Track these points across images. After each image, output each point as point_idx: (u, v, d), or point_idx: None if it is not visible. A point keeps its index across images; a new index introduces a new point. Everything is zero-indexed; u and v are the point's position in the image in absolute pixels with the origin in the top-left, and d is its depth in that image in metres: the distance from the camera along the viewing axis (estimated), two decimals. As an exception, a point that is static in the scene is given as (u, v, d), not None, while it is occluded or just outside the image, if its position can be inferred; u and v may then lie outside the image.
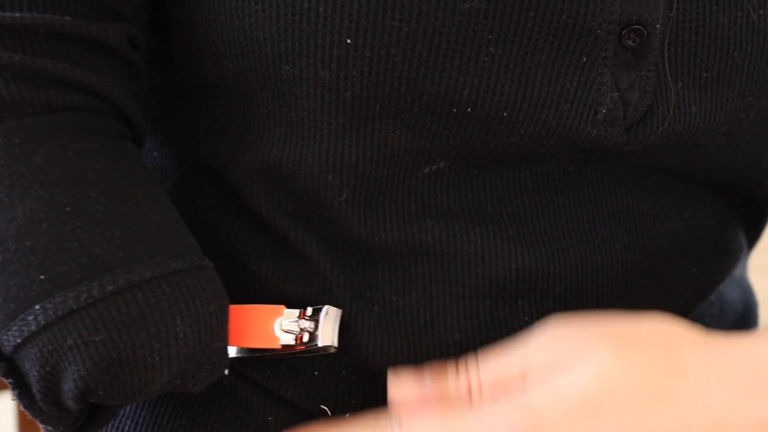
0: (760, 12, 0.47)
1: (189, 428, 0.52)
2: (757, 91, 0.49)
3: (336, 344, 0.47)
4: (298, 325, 0.47)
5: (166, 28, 0.50)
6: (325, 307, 0.47)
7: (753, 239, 0.62)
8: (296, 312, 0.47)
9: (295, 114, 0.47)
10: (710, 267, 0.56)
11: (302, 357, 0.50)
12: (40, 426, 0.46)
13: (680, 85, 0.47)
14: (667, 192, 0.53)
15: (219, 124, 0.50)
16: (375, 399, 0.51)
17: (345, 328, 0.50)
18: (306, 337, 0.47)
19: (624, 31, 0.45)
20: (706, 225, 0.55)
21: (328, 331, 0.47)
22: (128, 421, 0.53)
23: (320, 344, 0.47)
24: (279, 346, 0.47)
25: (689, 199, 0.54)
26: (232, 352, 0.52)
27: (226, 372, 0.53)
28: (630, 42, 0.45)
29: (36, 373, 0.42)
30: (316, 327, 0.47)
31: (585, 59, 0.45)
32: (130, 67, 0.48)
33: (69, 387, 0.42)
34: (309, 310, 0.47)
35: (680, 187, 0.54)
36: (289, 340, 0.47)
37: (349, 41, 0.44)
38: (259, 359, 0.52)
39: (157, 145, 0.56)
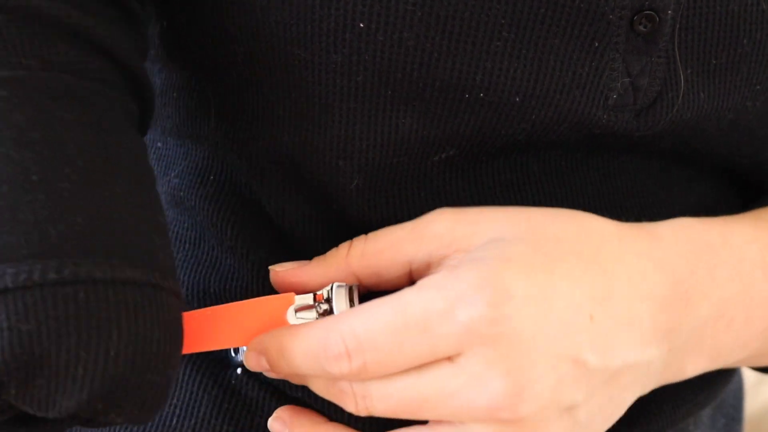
0: None
1: (198, 430, 0.51)
2: (765, 79, 0.50)
3: None
4: (316, 311, 0.45)
5: (174, 12, 0.49)
6: (334, 285, 0.45)
7: None
8: (310, 297, 0.45)
9: (306, 99, 0.46)
10: None
11: None
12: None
13: (689, 71, 0.48)
14: (672, 179, 0.53)
15: (229, 111, 0.50)
16: None
17: None
18: None
19: (636, 17, 0.45)
20: (713, 212, 0.55)
21: (343, 308, 0.45)
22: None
23: None
24: None
25: (695, 186, 0.54)
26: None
27: (239, 371, 0.52)
28: (642, 28, 0.45)
29: None
30: (332, 309, 0.45)
31: (597, 44, 0.45)
32: (130, 20, 0.46)
33: None
34: (324, 293, 0.45)
35: (686, 174, 0.54)
36: None
37: (362, 25, 0.43)
38: None
39: (161, 135, 0.55)
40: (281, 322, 0.45)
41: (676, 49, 0.47)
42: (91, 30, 0.43)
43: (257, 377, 0.51)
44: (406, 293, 0.42)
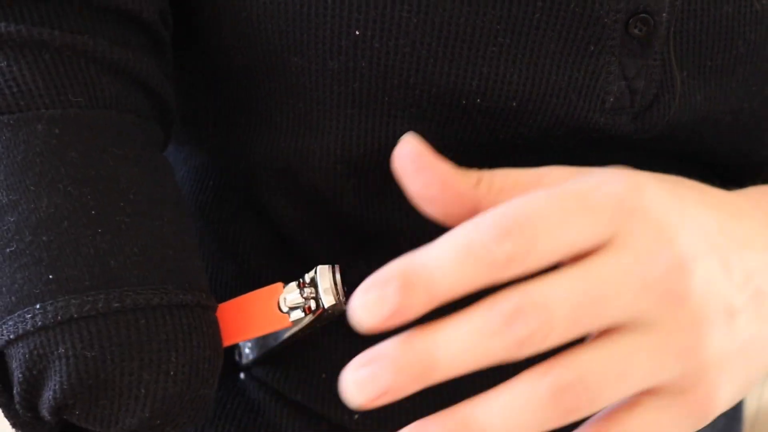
0: (764, 2, 0.47)
1: (201, 428, 0.51)
2: (761, 80, 0.50)
3: (343, 300, 0.45)
4: (301, 295, 0.45)
5: (173, 22, 0.49)
6: (318, 268, 0.45)
7: None
8: (294, 284, 0.45)
9: (303, 105, 0.47)
10: None
11: (313, 334, 0.48)
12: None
13: (685, 74, 0.48)
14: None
15: (227, 117, 0.50)
16: None
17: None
18: (313, 304, 0.45)
19: (631, 20, 0.45)
20: None
21: (329, 291, 0.44)
22: None
23: (326, 305, 0.44)
24: (290, 323, 0.45)
25: None
26: (252, 354, 0.52)
27: (242, 376, 0.52)
28: (637, 31, 0.46)
29: (20, 375, 0.40)
30: (317, 291, 0.45)
31: (593, 48, 0.45)
32: (159, 46, 0.47)
33: (48, 396, 0.40)
34: (306, 278, 0.45)
35: (684, 174, 0.54)
36: (298, 314, 0.45)
37: (357, 32, 0.44)
38: (271, 359, 0.51)
39: None
40: (273, 312, 0.45)
41: (672, 52, 0.47)
42: (131, 64, 0.44)
43: (260, 380, 0.52)
44: (552, 184, 0.40)
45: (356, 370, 0.36)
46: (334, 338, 0.51)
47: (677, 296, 0.37)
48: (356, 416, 0.51)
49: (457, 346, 0.35)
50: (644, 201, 0.38)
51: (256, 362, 0.52)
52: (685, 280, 0.37)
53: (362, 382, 0.36)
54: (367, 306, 0.35)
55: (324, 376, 0.51)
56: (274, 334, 0.49)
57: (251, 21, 0.45)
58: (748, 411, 0.80)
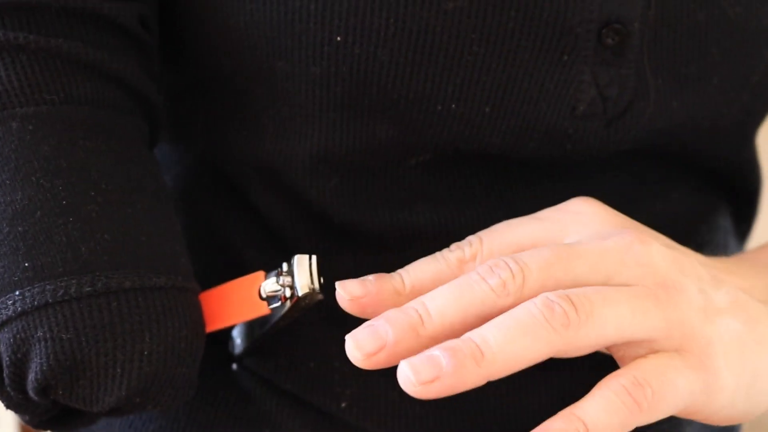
0: (736, 9, 0.48)
1: (192, 416, 0.53)
2: (737, 86, 0.51)
3: (318, 289, 0.46)
4: (278, 283, 0.46)
5: (164, 26, 0.52)
6: (295, 257, 0.46)
7: (743, 232, 0.63)
8: (274, 273, 0.47)
9: (287, 109, 0.49)
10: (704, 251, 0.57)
11: (296, 323, 0.50)
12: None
13: (660, 81, 0.49)
14: (652, 176, 0.54)
15: (215, 120, 0.52)
16: (369, 389, 0.53)
17: (341, 316, 0.51)
18: (288, 292, 0.46)
19: (604, 30, 0.46)
20: (696, 208, 0.56)
21: (304, 279, 0.45)
22: None
23: (300, 293, 0.45)
24: (269, 311, 0.47)
25: (676, 182, 0.55)
26: (240, 344, 0.54)
27: (234, 366, 0.54)
28: (609, 40, 0.46)
29: (7, 358, 0.43)
30: (293, 279, 0.46)
31: (566, 57, 0.47)
32: (141, 48, 0.49)
33: (32, 378, 0.42)
34: (284, 266, 0.46)
35: (665, 171, 0.54)
36: (276, 302, 0.46)
37: (339, 38, 0.45)
38: (261, 348, 0.53)
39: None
40: (254, 299, 0.47)
41: (646, 60, 0.48)
42: (107, 64, 0.47)
43: (251, 370, 0.54)
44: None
45: (356, 331, 0.40)
46: (321, 328, 0.53)
47: (647, 263, 0.42)
48: (343, 405, 0.53)
49: (443, 296, 0.40)
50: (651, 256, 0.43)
51: (246, 352, 0.54)
52: (650, 252, 0.42)
53: (361, 338, 0.40)
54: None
55: (312, 365, 0.53)
56: (259, 323, 0.50)
57: (238, 28, 0.47)
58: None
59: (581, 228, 0.44)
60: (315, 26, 0.46)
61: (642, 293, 0.41)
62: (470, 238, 0.45)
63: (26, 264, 0.42)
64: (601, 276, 0.41)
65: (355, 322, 0.52)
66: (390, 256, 0.51)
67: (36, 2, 0.45)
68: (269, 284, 0.46)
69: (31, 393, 0.43)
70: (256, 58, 0.48)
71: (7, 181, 0.43)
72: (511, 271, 0.40)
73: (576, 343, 0.39)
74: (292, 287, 0.46)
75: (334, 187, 0.50)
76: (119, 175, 0.45)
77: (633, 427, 0.39)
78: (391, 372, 0.52)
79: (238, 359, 0.54)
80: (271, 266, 0.52)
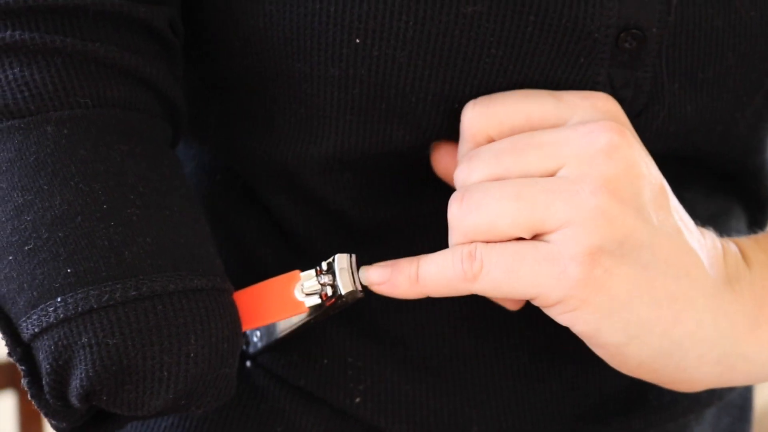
0: (752, 14, 0.48)
1: (205, 413, 0.53)
2: (751, 90, 0.51)
3: (360, 288, 0.47)
4: (318, 282, 0.47)
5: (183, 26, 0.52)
6: (336, 256, 0.47)
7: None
8: (312, 272, 0.47)
9: (304, 110, 0.49)
10: None
11: (324, 323, 0.51)
12: (46, 420, 0.46)
13: (677, 85, 0.49)
14: (665, 177, 0.54)
15: (229, 119, 0.52)
16: (383, 384, 0.53)
17: (352, 312, 0.51)
18: (329, 291, 0.46)
19: (622, 34, 0.46)
20: (708, 210, 0.56)
21: (346, 278, 0.46)
22: None
23: (343, 292, 0.46)
24: (306, 309, 0.47)
25: (688, 183, 0.55)
26: (261, 342, 0.54)
27: (248, 364, 0.55)
28: (627, 45, 0.47)
29: (48, 366, 0.42)
30: (335, 278, 0.46)
31: (582, 60, 0.47)
32: (170, 51, 0.49)
33: (76, 384, 0.42)
34: (324, 265, 0.47)
35: (678, 173, 0.54)
36: (314, 300, 0.47)
37: (358, 40, 0.46)
38: (275, 347, 0.53)
39: None
40: (290, 298, 0.47)
41: (663, 64, 0.48)
42: (140, 68, 0.47)
43: (264, 367, 0.54)
44: None
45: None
46: (335, 325, 0.53)
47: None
48: (357, 400, 0.53)
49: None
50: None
51: (265, 350, 0.54)
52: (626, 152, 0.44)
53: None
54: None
55: (326, 361, 0.53)
56: (285, 322, 0.51)
57: (258, 28, 0.47)
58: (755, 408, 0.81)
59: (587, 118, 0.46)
60: (334, 28, 0.46)
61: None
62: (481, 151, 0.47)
63: (68, 270, 0.42)
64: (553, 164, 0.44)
65: (365, 320, 0.53)
66: (400, 248, 0.51)
67: (73, 6, 0.45)
68: (309, 283, 0.47)
69: (74, 400, 0.43)
70: (274, 58, 0.48)
71: (45, 186, 0.43)
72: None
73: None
74: (333, 286, 0.46)
75: (348, 186, 0.50)
76: (154, 177, 0.45)
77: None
78: (404, 366, 0.53)
79: (252, 357, 0.55)
80: (282, 262, 0.53)
